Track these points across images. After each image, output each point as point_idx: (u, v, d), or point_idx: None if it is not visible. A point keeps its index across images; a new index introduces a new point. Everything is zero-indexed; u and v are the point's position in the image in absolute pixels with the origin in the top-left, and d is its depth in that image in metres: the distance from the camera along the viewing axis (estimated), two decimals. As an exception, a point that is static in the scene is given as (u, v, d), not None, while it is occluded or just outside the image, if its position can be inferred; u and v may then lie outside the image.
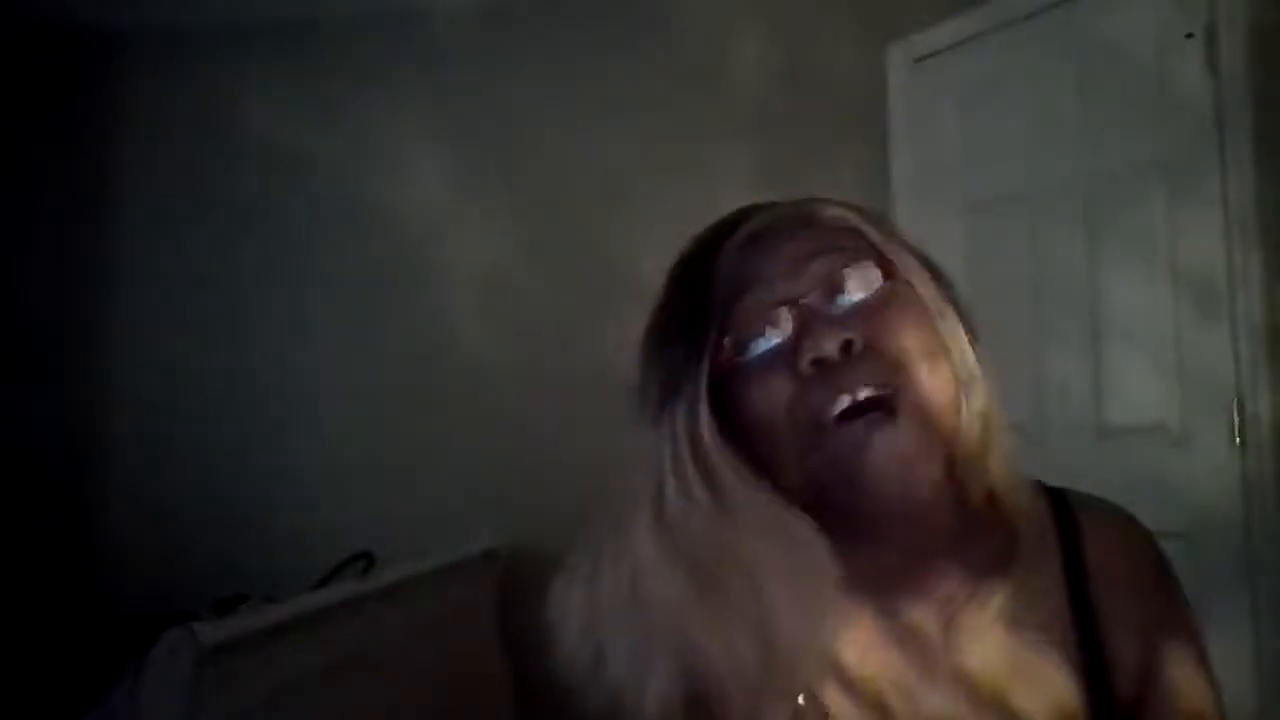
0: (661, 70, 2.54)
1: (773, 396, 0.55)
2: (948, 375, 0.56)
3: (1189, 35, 1.70)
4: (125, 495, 2.73)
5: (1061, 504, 0.63)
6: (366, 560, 2.17)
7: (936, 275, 0.61)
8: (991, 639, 0.58)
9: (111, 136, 2.85)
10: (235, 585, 2.20)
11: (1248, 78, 1.63)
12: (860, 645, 0.59)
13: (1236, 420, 1.61)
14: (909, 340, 0.55)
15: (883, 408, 0.54)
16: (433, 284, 2.66)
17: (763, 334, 0.56)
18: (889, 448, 0.53)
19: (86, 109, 2.84)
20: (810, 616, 0.53)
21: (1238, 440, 1.61)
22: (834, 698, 0.58)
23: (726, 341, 0.57)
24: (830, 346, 0.53)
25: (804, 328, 0.55)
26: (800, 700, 0.57)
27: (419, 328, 2.65)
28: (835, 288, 0.57)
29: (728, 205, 0.64)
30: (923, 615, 0.59)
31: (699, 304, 0.58)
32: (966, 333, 0.59)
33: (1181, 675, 0.58)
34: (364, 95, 2.74)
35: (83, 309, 2.80)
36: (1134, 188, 1.78)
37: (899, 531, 0.57)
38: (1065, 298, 1.88)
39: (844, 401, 0.53)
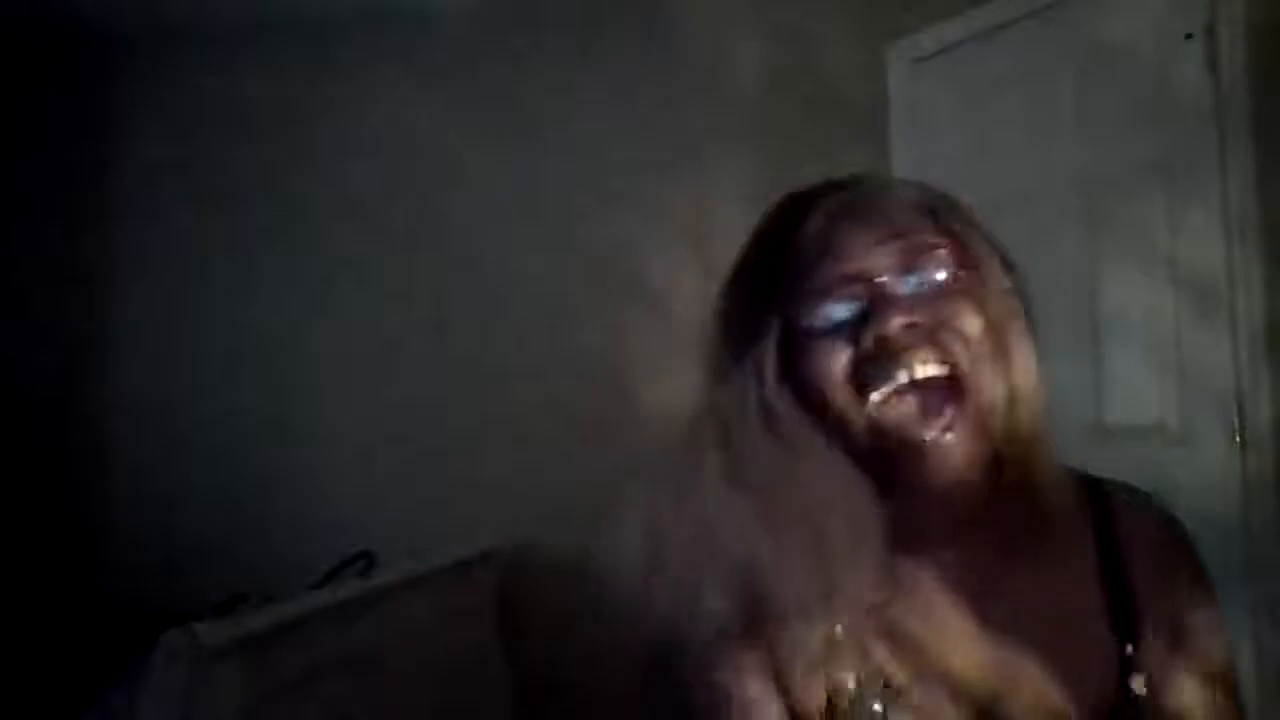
0: (661, 70, 2.54)
1: (830, 365, 0.58)
2: (1006, 363, 0.59)
3: (1189, 35, 1.70)
4: (125, 495, 2.73)
5: (1095, 487, 0.67)
6: (366, 560, 2.17)
7: (1008, 266, 0.64)
8: (1017, 607, 0.60)
9: (112, 136, 2.85)
10: (235, 585, 2.20)
11: (1248, 78, 1.63)
12: (885, 602, 0.61)
13: (1236, 420, 1.61)
14: (974, 327, 0.58)
15: (942, 388, 0.57)
16: (432, 284, 2.65)
17: (835, 304, 0.59)
18: (942, 428, 0.57)
19: (86, 109, 2.84)
20: (857, 565, 0.57)
21: (1238, 440, 1.61)
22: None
23: (800, 307, 0.59)
24: (897, 325, 0.56)
25: (875, 304, 0.58)
26: (838, 630, 0.59)
27: (418, 329, 2.65)
28: (911, 269, 0.59)
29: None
30: (948, 582, 0.61)
31: (779, 267, 0.60)
32: (1027, 324, 0.62)
33: (1205, 646, 0.61)
34: (364, 95, 2.74)
35: (83, 308, 2.80)
36: (1134, 188, 1.78)
37: (934, 504, 0.59)
38: (1065, 298, 1.88)
39: (902, 377, 0.56)
